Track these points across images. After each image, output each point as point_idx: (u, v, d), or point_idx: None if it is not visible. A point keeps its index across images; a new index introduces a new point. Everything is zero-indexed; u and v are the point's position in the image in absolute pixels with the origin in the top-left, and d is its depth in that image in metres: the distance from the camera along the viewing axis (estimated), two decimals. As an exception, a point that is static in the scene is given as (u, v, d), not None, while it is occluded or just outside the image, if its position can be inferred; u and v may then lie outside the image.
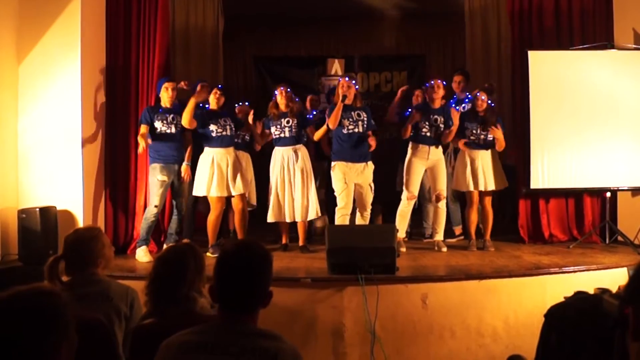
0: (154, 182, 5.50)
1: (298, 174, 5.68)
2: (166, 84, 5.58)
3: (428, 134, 5.69)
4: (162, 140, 5.52)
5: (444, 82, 5.85)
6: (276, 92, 5.79)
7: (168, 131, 5.53)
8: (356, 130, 5.51)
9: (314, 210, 5.73)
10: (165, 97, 5.55)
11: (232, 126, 5.63)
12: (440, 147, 5.80)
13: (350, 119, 5.51)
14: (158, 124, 5.51)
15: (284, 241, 5.91)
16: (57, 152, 5.42)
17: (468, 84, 6.41)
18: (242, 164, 5.79)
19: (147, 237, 5.50)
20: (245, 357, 1.81)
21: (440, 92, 5.72)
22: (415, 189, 5.76)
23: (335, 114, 5.42)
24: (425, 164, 5.74)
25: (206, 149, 5.60)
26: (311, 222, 6.14)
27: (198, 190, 5.59)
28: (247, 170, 6.03)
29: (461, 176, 5.84)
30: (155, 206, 5.45)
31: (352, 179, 5.50)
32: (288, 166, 5.69)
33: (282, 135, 5.70)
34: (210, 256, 5.33)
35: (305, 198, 5.69)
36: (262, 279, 1.97)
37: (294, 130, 5.70)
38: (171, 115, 5.56)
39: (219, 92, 5.64)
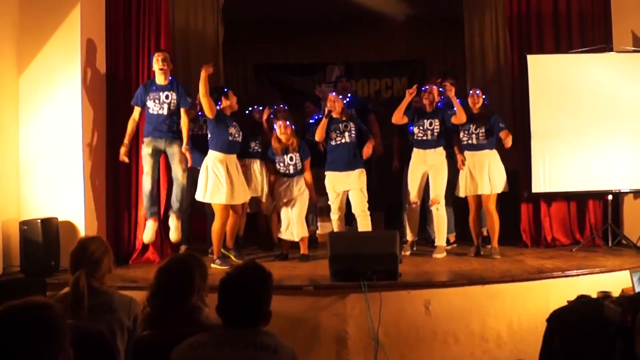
0: (144, 153, 5.43)
1: (298, 199, 5.69)
2: (156, 54, 5.31)
3: (423, 137, 5.76)
4: (150, 121, 5.38)
5: (441, 89, 5.91)
6: (275, 127, 5.73)
7: (160, 112, 5.35)
8: (343, 140, 5.69)
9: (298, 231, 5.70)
10: (156, 68, 5.29)
11: (241, 133, 5.58)
12: (439, 151, 5.78)
13: (337, 131, 5.72)
14: (150, 104, 5.33)
15: (285, 250, 5.88)
16: (58, 163, 5.40)
17: (458, 86, 6.38)
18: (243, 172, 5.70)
19: (152, 207, 5.42)
20: (248, 350, 2.07)
21: (436, 98, 5.81)
22: (415, 195, 5.78)
23: (320, 128, 5.69)
24: (423, 168, 5.79)
25: (216, 154, 5.31)
26: None
27: (208, 197, 5.29)
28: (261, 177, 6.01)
29: (458, 181, 5.82)
30: (147, 173, 5.38)
31: (341, 186, 5.72)
32: (291, 194, 5.70)
33: (287, 172, 5.72)
34: (218, 268, 5.19)
35: (298, 218, 5.70)
36: (263, 301, 2.20)
37: (298, 166, 5.70)
38: (165, 94, 5.34)
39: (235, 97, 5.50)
